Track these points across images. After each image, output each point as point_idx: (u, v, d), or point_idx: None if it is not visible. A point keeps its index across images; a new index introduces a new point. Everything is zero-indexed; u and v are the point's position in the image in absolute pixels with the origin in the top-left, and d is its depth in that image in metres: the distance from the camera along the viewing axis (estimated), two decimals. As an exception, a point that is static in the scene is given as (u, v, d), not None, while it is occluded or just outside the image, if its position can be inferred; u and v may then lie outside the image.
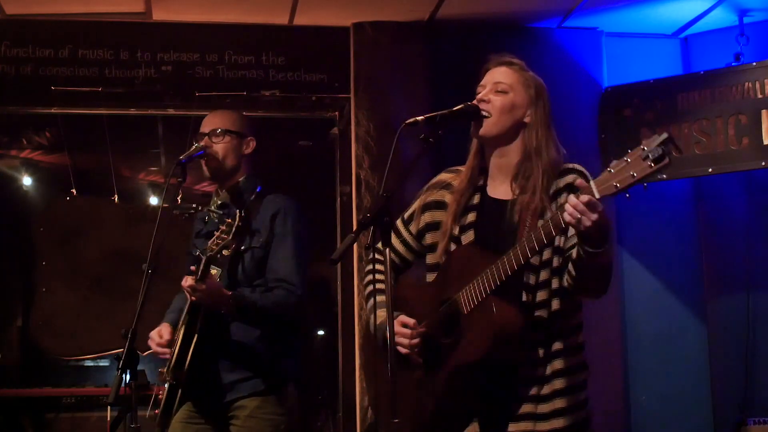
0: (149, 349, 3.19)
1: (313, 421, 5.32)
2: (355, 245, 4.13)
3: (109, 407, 4.57)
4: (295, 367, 3.18)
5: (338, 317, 4.70)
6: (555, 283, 2.33)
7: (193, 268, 2.90)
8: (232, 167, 3.20)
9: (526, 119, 2.44)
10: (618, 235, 4.74)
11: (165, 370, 3.23)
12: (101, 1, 4.51)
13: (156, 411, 3.14)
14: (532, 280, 2.33)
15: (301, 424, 3.26)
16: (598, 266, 2.17)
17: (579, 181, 2.10)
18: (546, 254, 2.33)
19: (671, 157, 1.92)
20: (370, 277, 2.70)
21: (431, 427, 2.44)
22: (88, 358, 5.47)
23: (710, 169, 4.51)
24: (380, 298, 2.59)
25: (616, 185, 1.97)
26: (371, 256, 2.72)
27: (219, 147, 3.16)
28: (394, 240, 2.65)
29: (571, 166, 2.40)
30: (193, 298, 2.91)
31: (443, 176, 2.61)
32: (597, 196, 2.01)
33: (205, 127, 3.22)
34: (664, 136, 1.92)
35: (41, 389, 4.89)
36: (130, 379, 2.79)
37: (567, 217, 2.05)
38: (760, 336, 4.59)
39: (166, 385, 3.08)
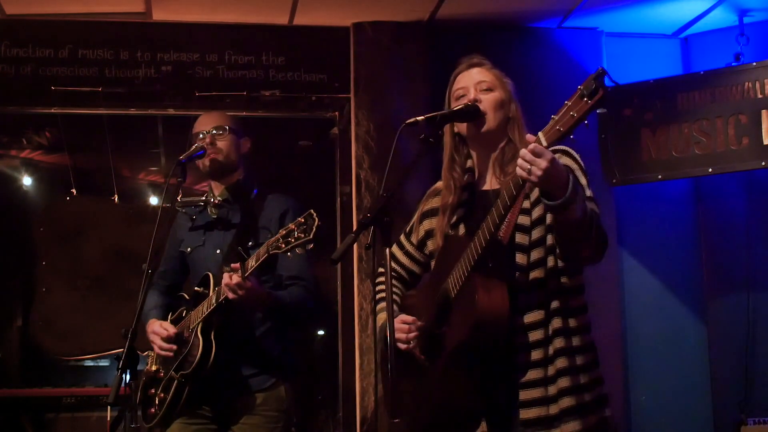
0: (149, 348, 3.18)
1: (313, 421, 5.32)
2: (355, 245, 4.13)
3: (109, 407, 4.56)
4: (296, 362, 3.22)
5: (338, 317, 4.70)
6: (551, 262, 2.32)
7: (235, 265, 2.88)
8: (234, 164, 3.27)
9: (511, 114, 2.48)
10: (618, 235, 4.74)
11: (154, 368, 3.21)
12: (101, 1, 4.51)
13: (152, 410, 3.13)
14: (523, 260, 2.32)
15: (301, 424, 3.26)
16: (572, 222, 2.15)
17: (528, 135, 2.13)
18: (537, 233, 2.33)
19: (605, 90, 1.95)
20: (376, 288, 2.73)
21: (439, 425, 2.44)
22: (88, 358, 5.47)
23: (710, 169, 4.51)
24: (383, 305, 2.63)
25: (560, 128, 2.01)
26: (376, 269, 2.74)
27: (223, 144, 3.23)
28: (399, 254, 2.71)
29: (557, 147, 2.38)
30: (233, 296, 2.87)
31: (438, 185, 2.63)
32: (544, 143, 2.04)
33: (205, 126, 3.26)
34: (599, 70, 1.96)
35: (41, 389, 4.88)
36: (130, 379, 2.79)
37: (518, 170, 2.08)
38: (760, 336, 4.59)
39: (174, 383, 3.06)
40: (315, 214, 2.73)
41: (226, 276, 2.89)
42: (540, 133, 2.06)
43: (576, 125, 1.99)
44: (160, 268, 3.38)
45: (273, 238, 2.80)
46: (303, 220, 2.74)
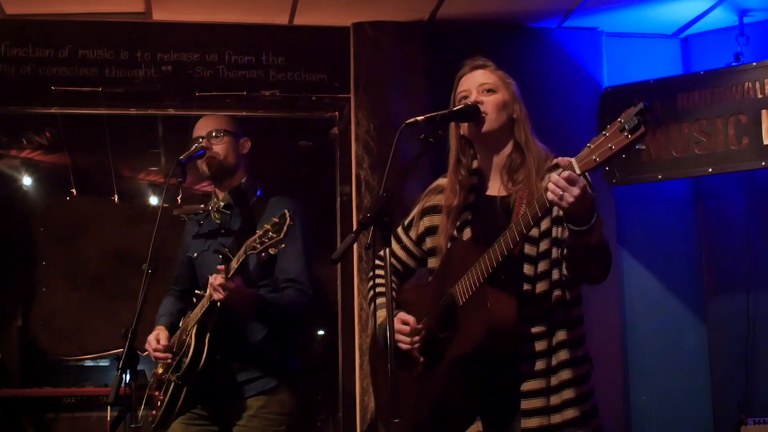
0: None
1: (313, 421, 5.31)
2: (355, 245, 4.13)
3: (109, 407, 4.56)
4: (298, 365, 3.21)
5: (338, 317, 4.70)
6: (555, 275, 2.34)
7: (221, 267, 2.89)
8: (233, 166, 3.27)
9: (515, 115, 2.49)
10: (618, 235, 4.74)
11: (161, 371, 3.23)
12: (101, 1, 4.51)
13: (153, 412, 3.15)
14: (530, 271, 2.34)
15: (301, 424, 3.26)
16: (588, 246, 2.17)
17: (560, 159, 2.12)
18: (544, 245, 2.34)
19: (648, 126, 1.93)
20: (371, 282, 2.73)
21: (433, 425, 2.44)
22: (88, 358, 5.47)
23: (710, 169, 4.51)
24: (381, 300, 2.63)
25: (596, 159, 2.00)
26: (373, 262, 2.75)
27: (219, 147, 3.24)
28: (396, 247, 2.70)
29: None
30: (219, 296, 2.89)
31: (440, 181, 2.64)
32: (578, 171, 2.04)
33: (201, 131, 3.27)
34: (641, 106, 1.94)
35: (41, 389, 4.89)
36: (130, 379, 2.79)
37: (550, 195, 2.08)
38: (760, 336, 4.59)
39: (171, 385, 3.08)
40: (288, 215, 2.75)
41: (212, 277, 2.91)
42: (573, 160, 2.05)
43: (614, 158, 1.97)
44: (174, 274, 3.40)
45: (251, 239, 2.82)
46: (277, 220, 2.77)
